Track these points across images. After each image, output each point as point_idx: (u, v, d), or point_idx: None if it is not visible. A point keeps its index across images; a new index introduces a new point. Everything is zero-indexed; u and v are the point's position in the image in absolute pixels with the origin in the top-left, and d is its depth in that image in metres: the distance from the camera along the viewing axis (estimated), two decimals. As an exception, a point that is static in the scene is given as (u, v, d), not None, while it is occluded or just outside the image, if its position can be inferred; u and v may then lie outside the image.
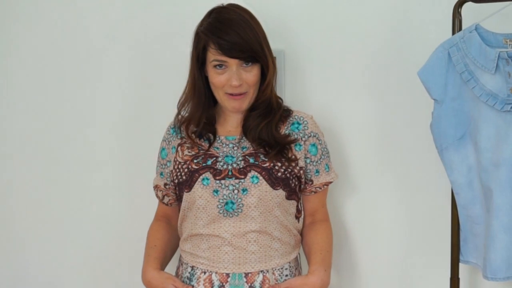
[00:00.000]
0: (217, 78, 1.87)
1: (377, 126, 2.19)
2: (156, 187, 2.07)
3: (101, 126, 2.39)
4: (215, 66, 1.87)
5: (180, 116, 1.98)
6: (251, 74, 1.87)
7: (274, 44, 1.99)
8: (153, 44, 2.31)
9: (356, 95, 2.20)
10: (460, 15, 1.94)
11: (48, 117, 2.42)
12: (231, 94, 1.88)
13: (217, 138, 1.95)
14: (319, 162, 1.96)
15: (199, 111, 1.94)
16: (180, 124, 1.98)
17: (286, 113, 1.98)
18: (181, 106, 1.97)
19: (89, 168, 2.41)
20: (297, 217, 1.97)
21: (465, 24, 1.93)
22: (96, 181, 2.41)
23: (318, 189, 1.98)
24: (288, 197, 1.90)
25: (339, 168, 2.13)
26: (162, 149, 2.03)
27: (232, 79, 1.85)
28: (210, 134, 1.95)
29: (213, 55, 1.86)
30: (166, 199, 2.05)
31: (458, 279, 2.01)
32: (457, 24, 1.94)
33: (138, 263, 2.01)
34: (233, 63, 1.85)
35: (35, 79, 2.42)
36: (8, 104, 2.46)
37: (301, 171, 1.93)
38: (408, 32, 2.13)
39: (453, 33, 1.94)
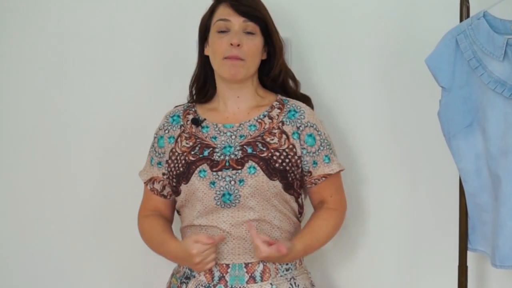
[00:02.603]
0: (218, 42, 1.89)
1: (384, 114, 2.19)
2: (151, 180, 1.99)
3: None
4: (218, 31, 1.90)
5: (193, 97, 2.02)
6: (252, 42, 1.89)
7: (281, 32, 1.99)
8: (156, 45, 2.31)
9: (362, 84, 2.19)
10: (468, 2, 1.93)
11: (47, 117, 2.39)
12: (229, 58, 1.87)
13: (215, 126, 1.92)
14: (317, 153, 1.91)
15: (202, 72, 1.99)
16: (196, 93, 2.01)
17: (284, 101, 1.97)
18: (192, 82, 2.02)
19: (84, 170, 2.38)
20: (300, 212, 1.95)
21: (472, 11, 1.92)
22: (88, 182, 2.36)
23: (317, 181, 1.92)
24: (285, 190, 1.87)
25: (346, 157, 2.12)
26: (160, 137, 1.98)
27: (233, 38, 1.87)
28: (207, 120, 1.93)
29: (218, 15, 1.90)
30: (166, 191, 1.98)
31: (466, 267, 2.00)
32: (464, 11, 1.93)
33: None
34: (236, 22, 1.88)
35: (35, 79, 2.39)
36: (9, 103, 2.41)
37: (299, 161, 1.89)
38: (415, 19, 2.13)
39: (461, 20, 1.93)
